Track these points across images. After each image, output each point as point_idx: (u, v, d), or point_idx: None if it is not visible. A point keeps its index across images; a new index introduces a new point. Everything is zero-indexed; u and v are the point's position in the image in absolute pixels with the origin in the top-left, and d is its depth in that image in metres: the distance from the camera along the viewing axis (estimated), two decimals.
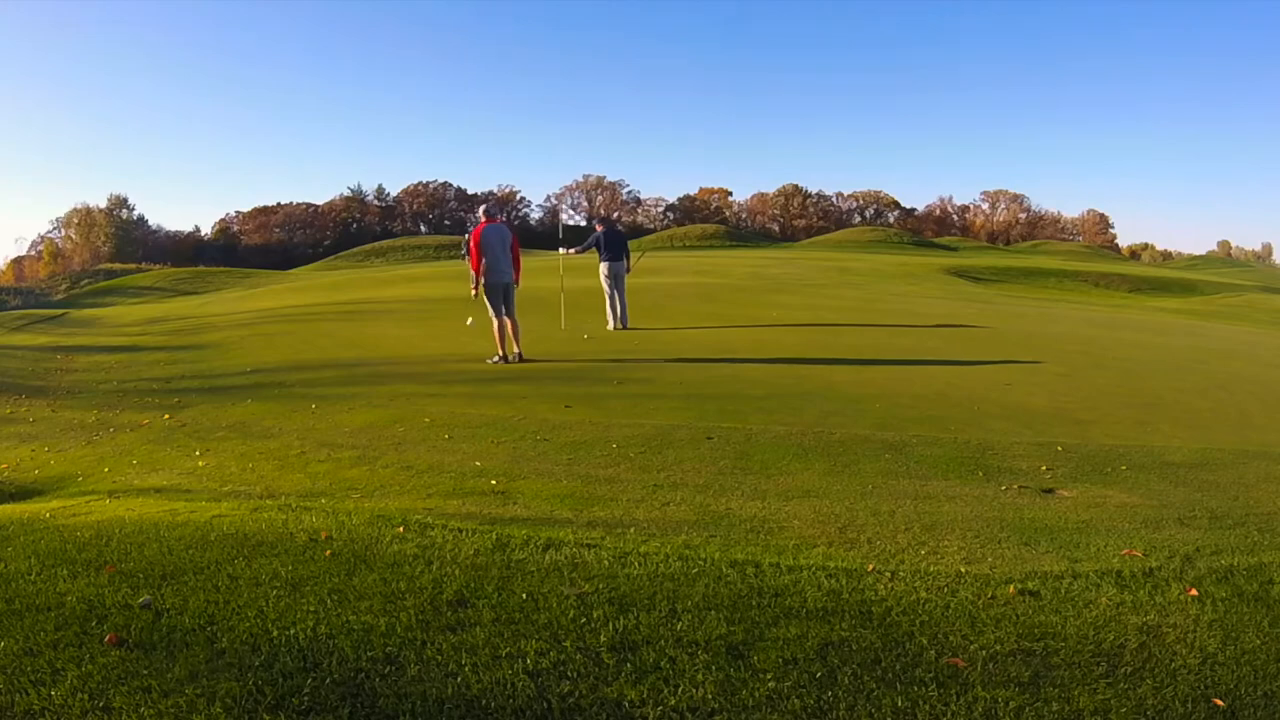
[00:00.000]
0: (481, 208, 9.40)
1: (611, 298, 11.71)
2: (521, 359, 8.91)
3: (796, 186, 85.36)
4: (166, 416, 7.23)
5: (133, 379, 9.65)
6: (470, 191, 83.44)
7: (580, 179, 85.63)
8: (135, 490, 4.78)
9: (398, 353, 10.33)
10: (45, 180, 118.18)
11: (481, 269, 8.58)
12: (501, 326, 8.79)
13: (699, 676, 2.09)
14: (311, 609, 2.42)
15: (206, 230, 73.88)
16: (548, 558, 2.97)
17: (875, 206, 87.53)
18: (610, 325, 11.69)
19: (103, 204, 63.29)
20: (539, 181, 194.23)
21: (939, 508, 4.05)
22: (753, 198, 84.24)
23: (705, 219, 76.61)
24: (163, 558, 2.91)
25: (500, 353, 8.90)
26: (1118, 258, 68.78)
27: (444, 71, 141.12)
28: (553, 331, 11.77)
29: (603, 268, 11.69)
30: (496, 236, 8.73)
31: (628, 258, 11.86)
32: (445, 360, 9.70)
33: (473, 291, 8.82)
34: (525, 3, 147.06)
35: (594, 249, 11.84)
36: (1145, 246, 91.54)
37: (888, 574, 2.89)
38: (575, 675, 2.07)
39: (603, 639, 2.26)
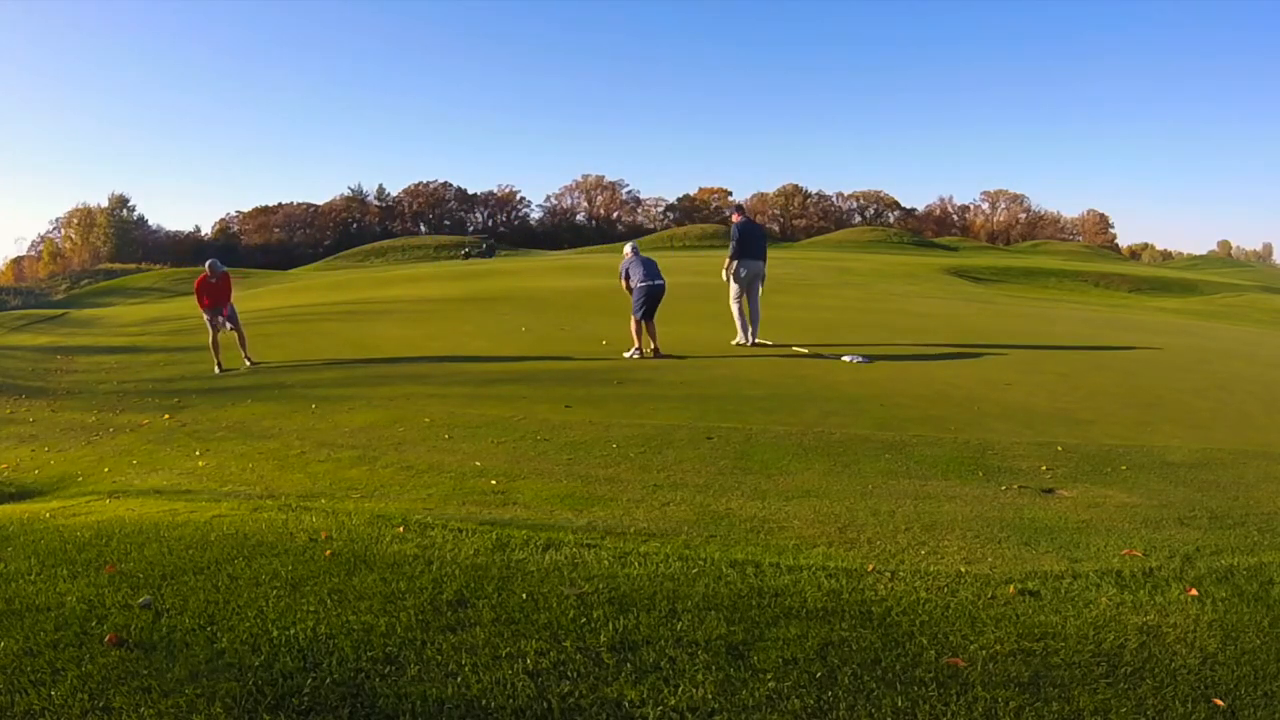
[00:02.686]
0: (207, 262, 10.38)
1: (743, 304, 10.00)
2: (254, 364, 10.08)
3: (796, 186, 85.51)
4: (166, 416, 7.23)
5: (133, 379, 9.65)
6: (470, 191, 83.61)
7: (580, 179, 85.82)
8: (135, 490, 4.78)
9: (398, 353, 10.33)
10: (45, 180, 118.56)
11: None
12: (215, 342, 10.13)
13: (699, 676, 2.08)
14: (311, 609, 2.42)
15: (206, 230, 74.03)
16: (548, 558, 2.97)
17: (875, 206, 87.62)
18: (741, 339, 10.03)
19: (103, 204, 63.40)
20: (539, 181, 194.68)
21: (939, 508, 4.05)
22: (753, 198, 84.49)
23: (705, 219, 76.64)
24: (163, 558, 2.91)
25: (218, 361, 10.02)
26: (1118, 258, 68.81)
27: (444, 71, 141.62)
28: (552, 332, 11.77)
29: (735, 267, 9.83)
30: (216, 283, 10.19)
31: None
32: (445, 360, 9.70)
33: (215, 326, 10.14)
34: (525, 3, 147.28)
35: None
36: (1145, 246, 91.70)
37: (888, 574, 2.89)
38: (575, 675, 2.07)
39: (603, 639, 2.26)
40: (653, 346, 9.49)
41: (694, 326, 11.92)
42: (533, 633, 2.29)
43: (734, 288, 9.88)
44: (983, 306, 18.38)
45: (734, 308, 10.00)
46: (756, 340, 9.97)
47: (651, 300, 9.46)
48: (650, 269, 9.63)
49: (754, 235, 10.00)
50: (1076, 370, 8.83)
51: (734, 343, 10.03)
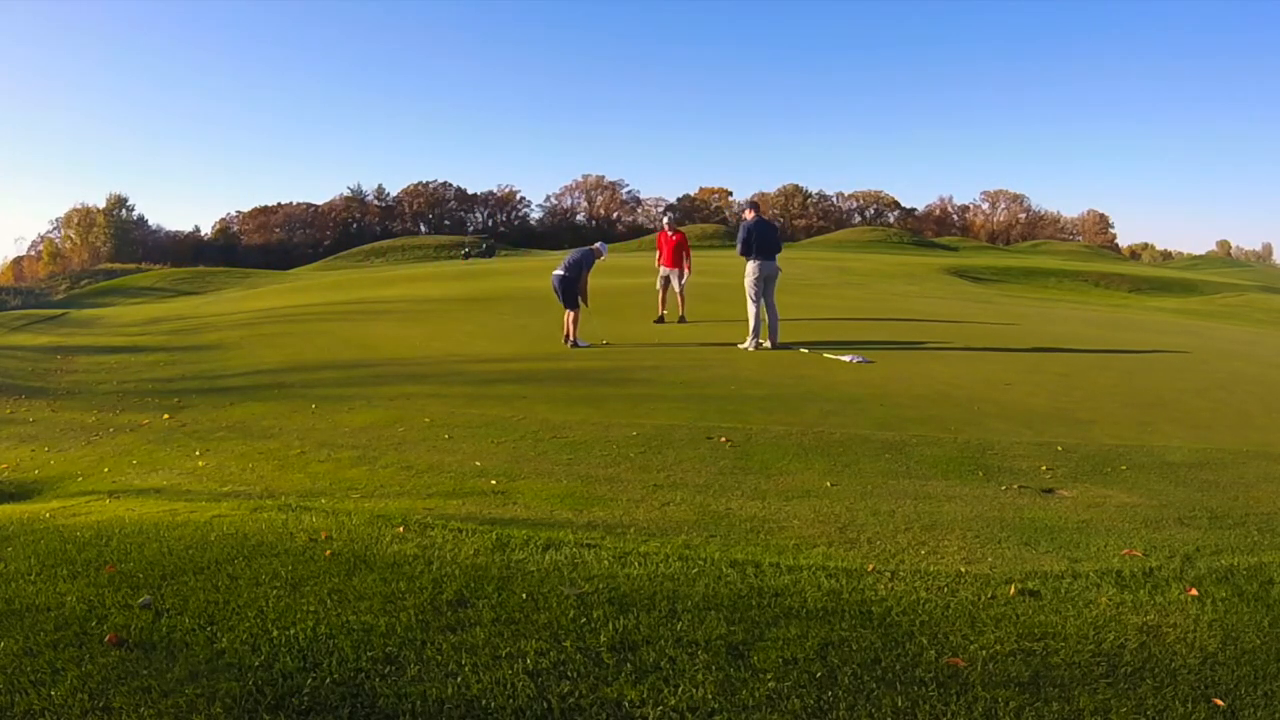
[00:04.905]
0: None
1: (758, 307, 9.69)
2: None
3: (797, 186, 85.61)
4: (166, 416, 7.23)
5: (133, 379, 9.65)
6: (470, 191, 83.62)
7: (580, 179, 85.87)
8: (135, 490, 4.78)
9: (398, 353, 10.33)
10: (45, 180, 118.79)
11: None
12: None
13: (699, 676, 2.08)
14: (311, 609, 2.42)
15: (206, 230, 74.15)
16: (548, 558, 2.96)
17: (875, 206, 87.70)
18: (749, 344, 9.70)
19: (102, 204, 63.40)
20: (539, 181, 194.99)
21: (939, 508, 4.05)
22: (753, 197, 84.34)
23: (705, 219, 76.71)
24: (163, 558, 2.91)
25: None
26: (1118, 258, 68.87)
27: (444, 71, 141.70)
28: (553, 332, 11.77)
29: (751, 268, 9.61)
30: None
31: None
32: (445, 360, 9.70)
33: None
34: (525, 2, 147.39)
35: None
36: (1145, 246, 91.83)
37: (888, 574, 2.89)
38: (575, 675, 2.07)
39: (603, 639, 2.26)
40: (566, 334, 10.07)
41: (694, 326, 11.92)
42: (533, 633, 2.29)
43: (751, 289, 9.63)
44: (983, 306, 18.38)
45: (751, 310, 9.71)
46: (779, 344, 9.70)
47: (555, 292, 10.19)
48: (565, 261, 10.23)
49: (767, 234, 9.73)
50: (1076, 370, 8.83)
51: (740, 347, 9.72)
